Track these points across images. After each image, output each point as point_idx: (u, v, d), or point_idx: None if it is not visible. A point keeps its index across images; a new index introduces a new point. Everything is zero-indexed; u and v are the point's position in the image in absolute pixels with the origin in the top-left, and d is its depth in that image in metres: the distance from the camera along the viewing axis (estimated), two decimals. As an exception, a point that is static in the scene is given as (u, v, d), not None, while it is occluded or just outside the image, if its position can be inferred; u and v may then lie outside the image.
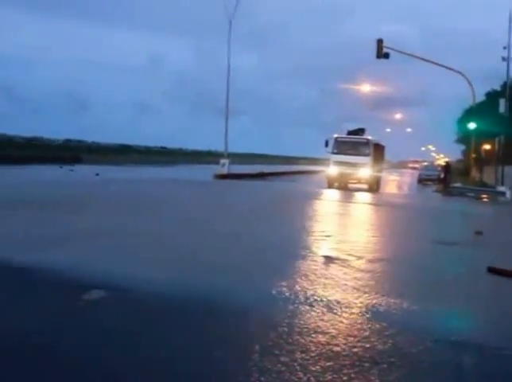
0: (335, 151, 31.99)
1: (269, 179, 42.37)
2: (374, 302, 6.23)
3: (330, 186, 31.66)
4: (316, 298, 6.26)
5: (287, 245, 10.14)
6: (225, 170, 38.65)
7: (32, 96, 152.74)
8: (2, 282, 6.61)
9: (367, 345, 4.75)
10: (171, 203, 17.65)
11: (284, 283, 6.82)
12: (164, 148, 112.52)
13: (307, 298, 6.21)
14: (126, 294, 6.20)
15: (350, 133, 33.53)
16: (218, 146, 53.70)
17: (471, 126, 40.15)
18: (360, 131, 33.40)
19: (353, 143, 32.21)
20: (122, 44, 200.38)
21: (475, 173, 52.55)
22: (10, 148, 61.51)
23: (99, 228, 10.87)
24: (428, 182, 49.46)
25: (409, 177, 69.91)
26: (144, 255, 8.48)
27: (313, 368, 4.21)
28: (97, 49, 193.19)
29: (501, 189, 31.44)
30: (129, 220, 12.30)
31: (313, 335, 4.96)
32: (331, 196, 25.97)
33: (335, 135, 32.70)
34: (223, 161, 39.67)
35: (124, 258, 8.28)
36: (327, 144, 32.41)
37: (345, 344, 4.77)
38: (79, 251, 8.49)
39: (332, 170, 31.99)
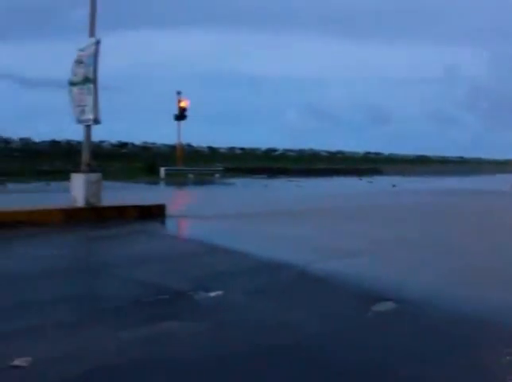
0: None
1: None
2: None
3: None
4: None
5: None
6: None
7: (334, 113, 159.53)
8: (294, 287, 6.71)
9: None
10: (467, 214, 16.65)
11: None
12: (462, 158, 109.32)
13: None
14: (418, 308, 5.80)
15: None
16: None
17: None
18: None
19: None
20: (415, 57, 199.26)
21: None
22: (316, 161, 65.07)
23: (392, 238, 10.66)
24: None
25: None
26: (439, 267, 7.98)
27: None
28: (390, 64, 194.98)
29: None
30: (424, 231, 11.85)
31: None
32: None
33: None
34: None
35: (417, 270, 7.87)
36: None
37: None
38: (371, 261, 8.30)
39: None
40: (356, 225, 12.66)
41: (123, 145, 70.78)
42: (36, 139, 65.27)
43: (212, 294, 6.09)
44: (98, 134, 13.81)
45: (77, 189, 12.96)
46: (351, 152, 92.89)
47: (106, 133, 63.73)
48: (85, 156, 13.55)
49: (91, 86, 13.00)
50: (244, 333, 4.87)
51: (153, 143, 74.48)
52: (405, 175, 51.78)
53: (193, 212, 15.27)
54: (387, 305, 5.75)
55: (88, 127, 13.49)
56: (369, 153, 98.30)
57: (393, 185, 32.49)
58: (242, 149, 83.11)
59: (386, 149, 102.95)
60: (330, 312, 5.60)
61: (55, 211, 12.19)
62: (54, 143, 65.11)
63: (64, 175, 30.38)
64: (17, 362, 3.93)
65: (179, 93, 44.52)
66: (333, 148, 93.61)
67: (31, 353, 4.11)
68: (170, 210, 13.65)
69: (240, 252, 8.86)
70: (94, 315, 5.31)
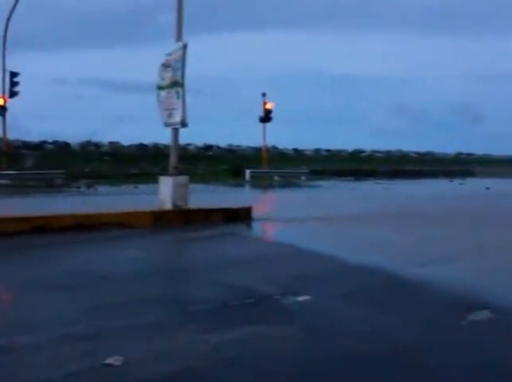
0: None
1: None
2: None
3: None
4: None
5: None
6: None
7: (423, 112, 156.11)
8: (385, 292, 6.56)
9: None
10: None
11: None
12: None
13: None
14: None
15: None
16: None
17: None
18: None
19: None
20: (510, 52, 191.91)
21: None
22: (404, 163, 64.06)
23: (485, 243, 10.27)
24: None
25: None
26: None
27: None
28: (483, 61, 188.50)
29: None
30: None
31: None
32: None
33: None
34: None
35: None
36: None
37: None
38: (467, 268, 8.01)
39: None
40: (446, 229, 12.31)
41: (209, 147, 71.79)
42: (125, 143, 67.16)
43: (300, 298, 6.03)
44: (185, 136, 14.04)
45: (165, 192, 13.20)
46: (442, 153, 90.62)
47: (192, 136, 64.92)
48: (173, 159, 13.79)
49: (179, 90, 13.22)
50: (333, 339, 4.79)
51: (238, 146, 75.23)
52: (499, 177, 49.95)
53: (279, 214, 15.27)
54: (483, 314, 5.52)
55: (176, 130, 13.72)
56: (461, 153, 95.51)
57: (487, 188, 31.43)
58: (327, 150, 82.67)
59: (479, 149, 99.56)
60: (422, 320, 5.43)
61: (144, 213, 12.45)
62: (141, 146, 66.76)
63: (150, 178, 31.15)
64: (109, 361, 4.01)
65: (264, 95, 44.68)
66: (422, 149, 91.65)
67: (123, 352, 4.18)
68: (256, 213, 13.69)
69: (328, 255, 8.77)
70: (182, 317, 5.36)
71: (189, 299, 6.18)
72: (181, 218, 12.59)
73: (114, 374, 3.89)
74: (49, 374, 3.88)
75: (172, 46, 13.86)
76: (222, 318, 5.31)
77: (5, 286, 6.97)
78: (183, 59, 13.30)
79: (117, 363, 3.99)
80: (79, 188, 31.22)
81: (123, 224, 11.61)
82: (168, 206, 12.98)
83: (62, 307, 5.68)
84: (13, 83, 35.55)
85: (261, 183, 37.62)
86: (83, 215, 11.90)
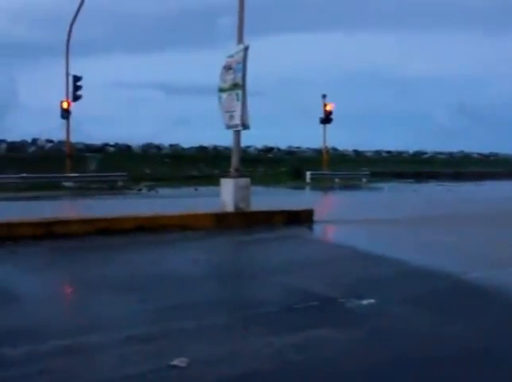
0: None
1: None
2: None
3: None
4: None
5: None
6: None
7: (487, 112, 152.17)
8: (450, 296, 6.39)
9: None
10: None
11: None
12: None
13: None
14: None
15: None
16: None
17: None
18: None
19: None
20: None
21: None
22: (467, 164, 62.66)
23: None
24: None
25: None
26: None
27: None
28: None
29: None
30: None
31: None
32: None
33: None
34: None
35: None
36: None
37: None
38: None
39: None
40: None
41: (269, 149, 71.80)
42: (185, 145, 67.78)
43: (364, 301, 5.94)
44: (245, 139, 14.03)
45: (227, 194, 13.24)
46: (507, 154, 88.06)
47: (253, 138, 65.09)
48: (234, 161, 13.82)
49: (240, 92, 13.24)
50: (399, 343, 4.70)
51: (298, 147, 74.94)
52: None
53: (341, 217, 15.12)
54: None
55: (237, 133, 13.75)
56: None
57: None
58: (388, 152, 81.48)
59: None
60: (490, 325, 5.27)
61: (206, 215, 12.52)
62: (201, 149, 67.27)
63: (210, 180, 31.38)
64: (175, 362, 4.01)
65: (324, 96, 44.44)
66: (486, 150, 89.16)
67: (187, 354, 4.18)
68: (317, 215, 13.58)
69: (391, 259, 8.63)
70: (246, 320, 5.34)
71: (252, 301, 6.16)
72: (243, 220, 12.60)
73: (180, 375, 3.89)
74: (114, 375, 3.91)
75: (233, 48, 13.90)
76: (286, 321, 5.27)
77: (71, 287, 7.11)
78: (244, 61, 13.31)
79: (182, 364, 3.99)
80: (140, 190, 31.73)
81: (185, 226, 11.69)
82: (229, 208, 13.01)
83: (126, 308, 5.74)
84: (76, 87, 36.38)
85: (322, 185, 37.44)
86: (144, 217, 12.03)
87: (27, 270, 8.16)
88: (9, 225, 10.58)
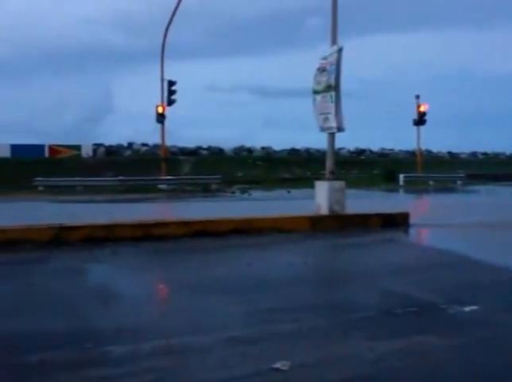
0: None
1: None
2: None
3: None
4: None
5: None
6: None
7: None
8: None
9: None
10: None
11: None
12: None
13: None
14: None
15: None
16: None
17: None
18: None
19: None
20: None
21: None
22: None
23: None
24: None
25: None
26: None
27: None
28: None
29: None
30: None
31: None
32: None
33: None
34: None
35: None
36: None
37: None
38: None
39: None
40: None
41: (361, 152, 71.09)
42: (277, 148, 68.05)
43: (467, 308, 5.74)
44: (337, 141, 13.89)
45: (321, 197, 13.18)
46: None
47: (344, 140, 64.53)
48: (329, 164, 13.75)
49: (334, 94, 13.15)
50: (505, 355, 4.50)
51: (391, 149, 73.86)
52: None
53: (437, 220, 14.73)
54: None
55: (332, 135, 13.67)
56: None
57: None
58: (484, 154, 79.00)
59: None
60: None
61: (300, 218, 12.50)
62: (293, 151, 67.36)
63: (302, 182, 31.38)
64: (277, 365, 4.02)
65: (417, 97, 43.64)
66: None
67: (289, 357, 4.17)
68: (413, 218, 13.29)
69: (493, 264, 8.33)
70: (345, 323, 5.28)
71: (350, 305, 6.09)
72: (338, 223, 12.50)
73: (282, 379, 3.89)
74: (219, 375, 3.96)
75: (325, 50, 13.85)
76: (386, 326, 5.17)
77: (170, 288, 7.26)
78: (337, 62, 13.22)
79: (284, 368, 3.99)
80: (233, 193, 32.14)
81: (279, 228, 11.71)
82: (324, 211, 12.94)
83: (226, 310, 5.80)
84: (171, 92, 37.31)
85: (416, 188, 36.69)
86: (239, 219, 12.14)
87: (128, 270, 8.42)
88: (110, 227, 10.94)
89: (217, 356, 4.31)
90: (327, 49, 13.86)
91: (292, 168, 52.83)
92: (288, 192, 30.25)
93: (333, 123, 13.17)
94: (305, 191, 25.26)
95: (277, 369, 3.98)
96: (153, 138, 55.14)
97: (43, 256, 9.22)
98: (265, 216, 12.75)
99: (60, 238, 10.29)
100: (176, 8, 36.53)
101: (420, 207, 23.10)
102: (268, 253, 9.80)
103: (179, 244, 10.42)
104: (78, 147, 53.60)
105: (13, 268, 8.51)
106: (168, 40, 37.93)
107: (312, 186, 13.94)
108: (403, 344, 4.61)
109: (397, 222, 12.89)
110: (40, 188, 35.18)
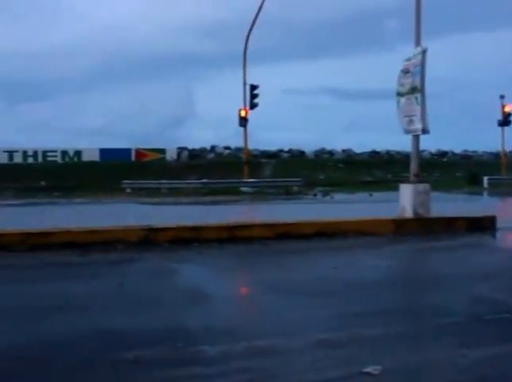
0: None
1: None
2: None
3: None
4: None
5: None
6: None
7: None
8: None
9: None
10: None
11: None
12: None
13: None
14: None
15: None
16: None
17: None
18: None
19: None
20: None
21: None
22: None
23: None
24: None
25: None
26: None
27: None
28: None
29: None
30: None
31: None
32: None
33: None
34: None
35: None
36: None
37: None
38: None
39: None
40: None
41: (443, 154, 69.39)
42: (357, 150, 67.34)
43: None
44: (420, 143, 13.66)
45: (406, 200, 13.01)
46: None
47: (426, 142, 63.11)
48: (413, 166, 13.56)
49: (419, 95, 12.96)
50: None
51: (474, 151, 71.76)
52: None
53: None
54: None
55: (416, 137, 13.47)
56: None
57: None
58: None
59: None
60: None
61: (383, 221, 12.39)
62: (374, 154, 66.47)
63: (384, 185, 30.95)
64: (368, 369, 4.02)
65: (502, 97, 42.33)
66: None
67: (379, 362, 4.17)
68: (500, 222, 12.93)
69: None
70: (435, 328, 5.22)
71: (439, 310, 6.00)
72: (422, 226, 12.31)
73: (373, 383, 3.90)
74: (311, 378, 3.99)
75: (408, 51, 13.68)
76: (477, 332, 5.08)
77: (256, 289, 7.35)
78: (422, 64, 13.03)
79: (375, 372, 3.99)
80: (315, 195, 32.09)
81: (363, 231, 11.65)
82: (408, 214, 12.78)
83: (313, 312, 5.83)
84: (253, 96, 37.65)
85: (501, 191, 35.54)
86: (322, 222, 12.15)
87: (214, 271, 8.59)
88: (197, 228, 11.19)
89: (307, 358, 4.35)
90: (410, 51, 13.69)
91: (373, 170, 52.21)
92: (371, 195, 29.93)
93: (418, 125, 12.98)
94: (387, 194, 24.98)
95: (369, 373, 3.98)
96: (235, 142, 55.70)
97: (134, 256, 9.52)
98: (349, 218, 12.71)
99: (149, 239, 10.61)
100: (258, 14, 36.87)
101: (506, 210, 22.38)
102: (352, 256, 9.77)
103: (263, 246, 10.52)
104: (163, 151, 54.70)
105: (108, 267, 8.85)
106: (249, 44, 38.33)
107: (394, 189, 13.81)
108: (496, 352, 4.53)
109: (484, 226, 12.57)
110: (128, 190, 36.22)
